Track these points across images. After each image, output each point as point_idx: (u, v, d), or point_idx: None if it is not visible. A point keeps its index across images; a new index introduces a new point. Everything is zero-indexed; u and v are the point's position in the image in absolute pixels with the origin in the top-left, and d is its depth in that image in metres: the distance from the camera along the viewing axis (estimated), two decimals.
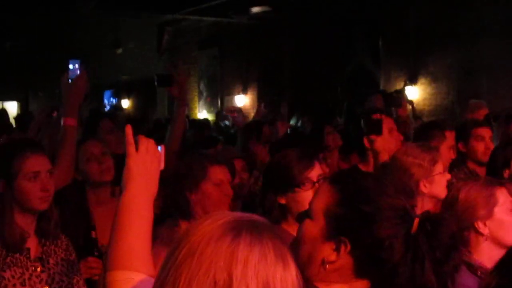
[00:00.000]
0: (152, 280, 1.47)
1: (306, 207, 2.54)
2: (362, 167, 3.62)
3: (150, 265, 1.65)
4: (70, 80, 3.34)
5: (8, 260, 2.59)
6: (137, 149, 1.79)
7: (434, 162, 3.04)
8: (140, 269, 1.61)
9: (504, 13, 9.03)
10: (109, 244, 1.67)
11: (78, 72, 3.31)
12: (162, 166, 1.94)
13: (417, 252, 1.66)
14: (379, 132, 3.42)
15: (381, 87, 10.44)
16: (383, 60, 11.15)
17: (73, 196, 3.41)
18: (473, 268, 2.46)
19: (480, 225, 2.52)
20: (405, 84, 10.59)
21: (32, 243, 2.69)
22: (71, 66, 3.33)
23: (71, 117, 3.23)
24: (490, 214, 2.55)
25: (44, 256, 2.70)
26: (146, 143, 1.81)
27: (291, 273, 1.20)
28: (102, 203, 3.46)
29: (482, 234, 2.53)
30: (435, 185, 3.02)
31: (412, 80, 10.64)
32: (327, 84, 11.70)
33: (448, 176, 3.14)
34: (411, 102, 9.46)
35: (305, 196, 2.65)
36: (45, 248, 2.72)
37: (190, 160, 3.11)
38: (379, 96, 6.82)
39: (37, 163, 2.70)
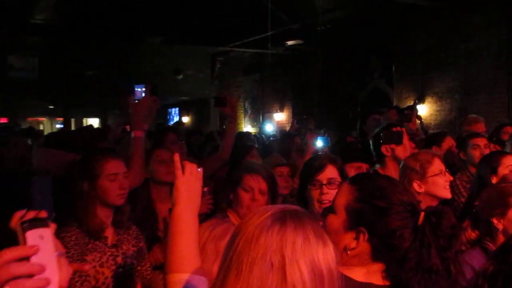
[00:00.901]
0: (201, 278, 1.62)
1: (314, 203, 2.68)
2: (381, 172, 3.41)
3: (198, 266, 1.66)
4: (136, 101, 3.37)
5: (89, 246, 2.58)
6: (183, 172, 1.80)
7: (427, 165, 2.90)
8: (190, 270, 1.63)
9: (496, 41, 9.01)
10: (166, 251, 1.70)
11: (143, 94, 3.34)
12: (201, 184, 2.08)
13: (423, 240, 1.68)
14: (399, 142, 3.35)
15: (394, 105, 10.47)
16: (395, 82, 11.10)
17: (142, 195, 3.40)
18: (487, 252, 2.46)
19: (495, 221, 2.56)
20: (414, 103, 10.54)
21: (109, 232, 2.71)
22: (137, 90, 3.40)
23: (139, 130, 3.24)
24: (504, 214, 2.58)
25: (118, 243, 2.71)
26: (190, 167, 1.81)
27: (330, 250, 1.23)
28: (163, 199, 3.45)
29: (497, 229, 2.56)
30: (430, 185, 2.88)
31: (420, 99, 10.55)
32: (349, 103, 11.77)
33: (449, 177, 2.97)
34: (419, 118, 9.43)
35: (314, 194, 2.69)
36: (119, 236, 2.74)
37: (233, 169, 3.05)
38: (394, 111, 6.86)
39: (115, 167, 2.73)
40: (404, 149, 3.34)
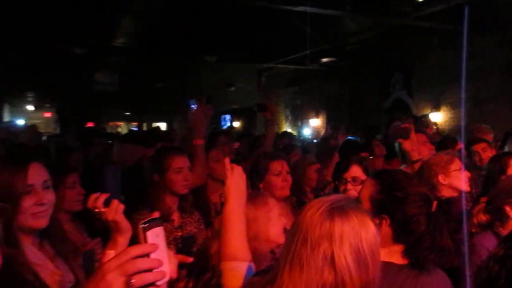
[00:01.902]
0: (250, 264, 1.61)
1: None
2: (404, 169, 3.21)
3: (248, 254, 1.64)
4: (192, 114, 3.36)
5: None
6: (232, 173, 1.78)
7: (450, 162, 2.84)
8: (241, 258, 1.61)
9: (503, 55, 8.79)
10: (220, 242, 1.68)
11: (195, 107, 3.29)
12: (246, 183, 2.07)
13: (436, 224, 1.69)
14: (406, 136, 3.19)
15: (413, 113, 10.32)
16: (414, 93, 10.91)
17: (201, 189, 3.31)
18: (498, 236, 2.37)
19: (508, 209, 2.45)
20: (431, 111, 10.37)
21: (175, 216, 2.73)
22: (193, 106, 3.41)
23: (199, 139, 3.21)
24: None
25: (183, 225, 2.72)
26: (238, 169, 1.80)
27: (372, 232, 1.24)
28: (217, 191, 3.37)
29: (509, 216, 2.45)
30: (452, 178, 2.81)
31: (436, 108, 10.38)
32: (375, 111, 11.66)
33: (467, 173, 2.90)
34: (435, 124, 9.30)
35: (341, 189, 2.76)
36: (183, 219, 2.75)
37: (258, 159, 3.03)
38: (411, 119, 6.81)
39: (181, 162, 2.74)
40: (412, 143, 3.20)
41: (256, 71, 16.47)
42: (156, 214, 1.06)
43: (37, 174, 1.67)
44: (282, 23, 9.81)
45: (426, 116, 9.05)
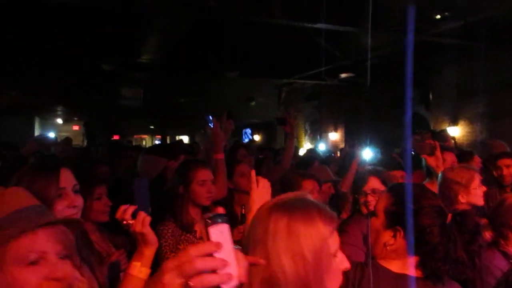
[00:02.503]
0: None
1: (362, 208, 2.79)
2: (427, 184, 3.11)
3: None
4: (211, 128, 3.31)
5: (182, 237, 2.61)
6: (257, 186, 1.79)
7: (471, 180, 2.81)
8: None
9: None
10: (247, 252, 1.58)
11: (211, 125, 3.26)
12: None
13: (450, 236, 1.68)
14: (431, 153, 3.18)
15: (431, 128, 10.27)
16: (432, 108, 10.92)
17: (226, 201, 3.29)
18: (507, 255, 2.33)
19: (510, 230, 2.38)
20: (449, 125, 10.32)
21: (198, 227, 2.71)
22: (210, 120, 3.31)
23: (219, 153, 3.20)
24: None
25: (204, 236, 2.67)
26: (263, 182, 1.81)
27: (316, 230, 1.16)
28: (238, 203, 3.35)
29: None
30: (471, 196, 2.80)
31: (454, 122, 10.33)
32: (393, 125, 11.61)
33: (484, 188, 2.87)
34: (453, 138, 9.23)
35: (360, 202, 2.80)
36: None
37: (291, 176, 3.08)
38: (429, 134, 6.80)
39: (205, 174, 2.75)
40: (436, 160, 3.17)
41: (276, 86, 16.51)
42: (221, 210, 0.95)
43: (67, 179, 1.74)
44: (302, 39, 9.91)
45: (444, 130, 9.00)
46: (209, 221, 0.88)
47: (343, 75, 12.33)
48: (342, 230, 2.68)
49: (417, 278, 1.66)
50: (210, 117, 3.42)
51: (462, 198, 2.80)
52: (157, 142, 19.86)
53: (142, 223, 1.70)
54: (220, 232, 0.87)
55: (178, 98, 16.37)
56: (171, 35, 9.26)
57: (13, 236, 1.07)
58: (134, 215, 1.71)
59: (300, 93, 15.84)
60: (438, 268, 1.64)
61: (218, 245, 0.84)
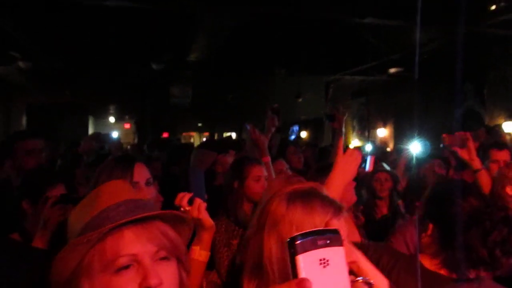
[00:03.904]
0: None
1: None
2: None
3: None
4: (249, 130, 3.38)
5: (235, 233, 2.63)
6: (344, 153, 1.84)
7: None
8: None
9: None
10: None
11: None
12: (368, 169, 2.01)
13: (478, 230, 1.62)
14: (462, 145, 3.00)
15: (486, 123, 9.93)
16: (487, 103, 10.56)
17: None
18: None
19: None
20: (505, 120, 9.94)
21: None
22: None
23: (265, 156, 3.22)
24: None
25: None
26: (352, 151, 1.85)
27: (312, 219, 1.18)
28: None
29: None
30: None
31: (511, 117, 9.97)
32: (445, 121, 11.30)
33: None
34: (509, 134, 8.91)
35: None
36: None
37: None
38: (483, 129, 6.59)
39: (259, 171, 2.80)
40: (469, 152, 2.98)
41: (324, 82, 16.43)
42: (333, 223, 0.67)
43: (141, 173, 1.88)
44: (349, 34, 9.81)
45: (498, 126, 8.69)
46: (295, 246, 0.56)
47: (392, 70, 12.09)
48: (387, 238, 2.72)
49: (451, 277, 1.62)
50: (247, 126, 3.44)
51: (510, 191, 2.71)
52: (204, 139, 20.16)
53: (198, 209, 1.76)
54: (317, 262, 0.56)
55: (226, 96, 16.55)
56: (219, 33, 9.40)
57: (98, 238, 0.92)
58: (190, 202, 1.77)
59: (347, 89, 15.70)
60: (473, 266, 1.60)
61: (306, 286, 0.55)
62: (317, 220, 1.18)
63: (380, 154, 8.03)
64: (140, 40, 10.15)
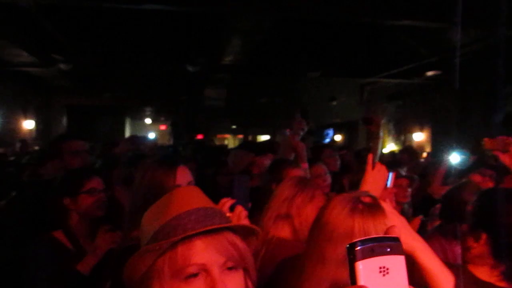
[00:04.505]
0: None
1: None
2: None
3: None
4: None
5: None
6: (372, 168, 1.87)
7: None
8: None
9: None
10: None
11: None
12: (389, 185, 2.06)
13: None
14: (505, 149, 2.83)
15: None
16: None
17: None
18: None
19: None
20: None
21: None
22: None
23: (303, 162, 3.27)
24: None
25: None
26: (380, 167, 1.87)
27: (376, 225, 1.27)
28: None
29: None
30: None
31: None
32: (484, 126, 11.00)
33: None
34: None
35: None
36: None
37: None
38: None
39: (297, 173, 2.78)
40: (509, 157, 2.84)
41: (359, 85, 16.28)
42: (393, 231, 0.61)
43: (183, 176, 1.93)
44: (385, 36, 9.70)
45: None
46: (355, 251, 0.54)
47: (429, 73, 11.87)
48: None
49: None
50: (286, 132, 3.52)
51: None
52: (237, 142, 20.25)
53: (238, 216, 1.77)
54: (381, 270, 0.54)
55: (260, 98, 16.63)
56: (254, 36, 9.46)
57: (169, 246, 0.97)
58: (232, 209, 1.78)
59: (383, 92, 15.52)
60: None
61: None
62: (378, 228, 1.22)
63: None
64: (176, 43, 10.34)
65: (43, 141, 13.62)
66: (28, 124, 14.42)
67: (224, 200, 1.82)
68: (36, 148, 10.48)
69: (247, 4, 7.51)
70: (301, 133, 3.61)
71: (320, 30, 9.30)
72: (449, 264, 1.66)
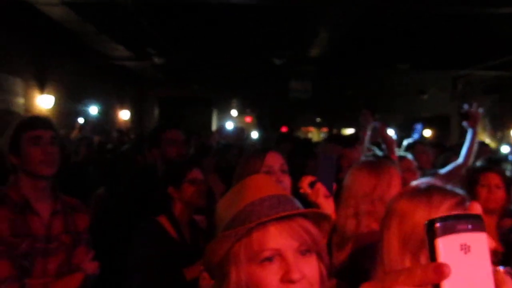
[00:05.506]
0: None
1: None
2: None
3: None
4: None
5: None
6: None
7: None
8: None
9: None
10: None
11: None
12: None
13: None
14: None
15: None
16: None
17: None
18: None
19: None
20: None
21: None
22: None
23: (392, 154, 3.17)
24: None
25: None
26: None
27: (439, 209, 1.24)
28: None
29: None
30: None
31: None
32: None
33: None
34: None
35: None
36: None
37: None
38: None
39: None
40: None
41: (451, 78, 15.64)
42: (475, 208, 0.61)
43: (274, 159, 2.03)
44: (480, 26, 9.21)
45: None
46: (435, 228, 0.52)
47: None
48: None
49: None
50: (376, 124, 3.51)
51: None
52: (322, 135, 20.11)
53: (316, 193, 1.82)
54: (462, 248, 0.52)
55: (345, 91, 16.45)
56: (340, 28, 9.42)
57: (245, 232, 1.02)
58: (312, 185, 1.83)
59: (478, 86, 14.79)
60: None
61: (445, 271, 0.50)
62: (440, 211, 1.20)
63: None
64: (263, 36, 10.54)
65: (137, 131, 14.52)
66: (124, 115, 15.47)
67: (305, 177, 1.89)
68: (132, 136, 11.11)
69: None
70: (368, 126, 3.60)
71: (409, 20, 9.04)
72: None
